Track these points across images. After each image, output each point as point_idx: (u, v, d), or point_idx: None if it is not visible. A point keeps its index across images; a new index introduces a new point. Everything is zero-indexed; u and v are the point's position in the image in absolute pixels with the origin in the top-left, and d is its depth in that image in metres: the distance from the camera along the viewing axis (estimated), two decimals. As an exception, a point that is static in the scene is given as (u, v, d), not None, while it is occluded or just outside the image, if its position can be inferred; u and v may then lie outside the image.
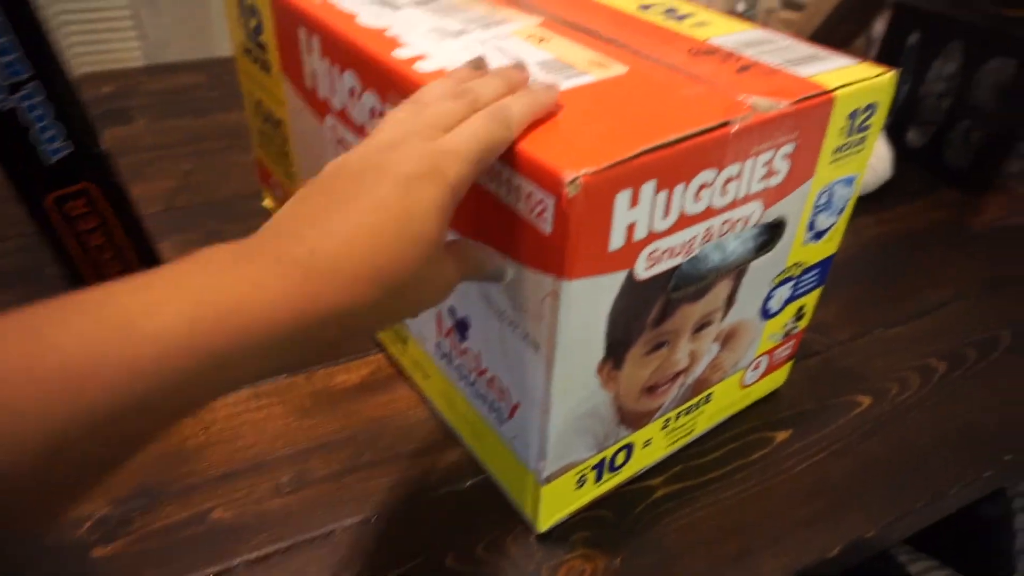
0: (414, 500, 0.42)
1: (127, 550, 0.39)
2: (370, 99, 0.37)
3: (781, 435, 0.47)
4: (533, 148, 0.28)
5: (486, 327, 0.35)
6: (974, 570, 0.64)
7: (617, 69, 0.34)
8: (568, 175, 0.26)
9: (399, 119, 0.28)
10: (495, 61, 0.34)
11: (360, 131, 0.39)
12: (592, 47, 0.37)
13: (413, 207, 0.25)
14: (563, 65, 0.34)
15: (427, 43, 0.36)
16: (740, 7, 1.03)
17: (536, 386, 0.33)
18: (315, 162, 0.47)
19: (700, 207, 0.30)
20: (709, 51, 0.36)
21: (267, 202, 0.63)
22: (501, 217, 0.30)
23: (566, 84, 0.32)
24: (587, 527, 0.41)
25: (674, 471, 0.44)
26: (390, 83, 0.35)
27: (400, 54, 0.35)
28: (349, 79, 0.38)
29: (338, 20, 0.39)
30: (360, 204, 0.25)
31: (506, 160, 0.28)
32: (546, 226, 0.28)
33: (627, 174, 0.27)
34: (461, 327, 0.38)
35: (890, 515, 0.43)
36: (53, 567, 0.38)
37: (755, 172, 0.31)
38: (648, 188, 0.28)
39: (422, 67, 0.34)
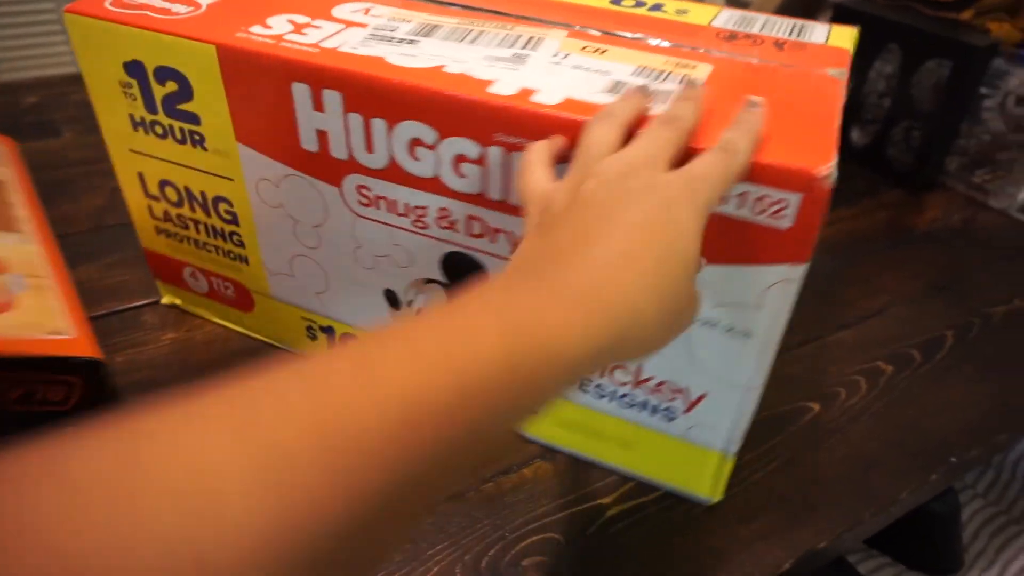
0: None
1: None
2: (454, 146, 0.35)
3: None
4: (756, 155, 0.30)
5: None
6: (924, 564, 0.66)
7: (704, 68, 0.37)
8: (820, 171, 0.29)
9: (620, 157, 0.27)
10: (581, 80, 0.35)
11: (422, 184, 0.37)
12: (646, 50, 0.39)
13: (678, 227, 0.25)
14: (656, 72, 0.36)
15: (510, 74, 0.35)
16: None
17: (742, 372, 0.37)
18: (302, 233, 0.43)
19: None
20: (731, 36, 0.41)
21: (168, 298, 0.54)
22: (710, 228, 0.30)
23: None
24: (538, 551, 0.40)
25: (625, 489, 0.43)
26: (500, 124, 0.33)
27: (500, 90, 0.34)
28: (407, 130, 0.36)
29: (369, 66, 0.36)
30: (621, 230, 0.24)
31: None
32: (785, 222, 0.31)
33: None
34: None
35: (842, 526, 0.43)
36: None
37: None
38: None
39: (543, 99, 0.33)
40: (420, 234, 0.39)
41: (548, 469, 0.45)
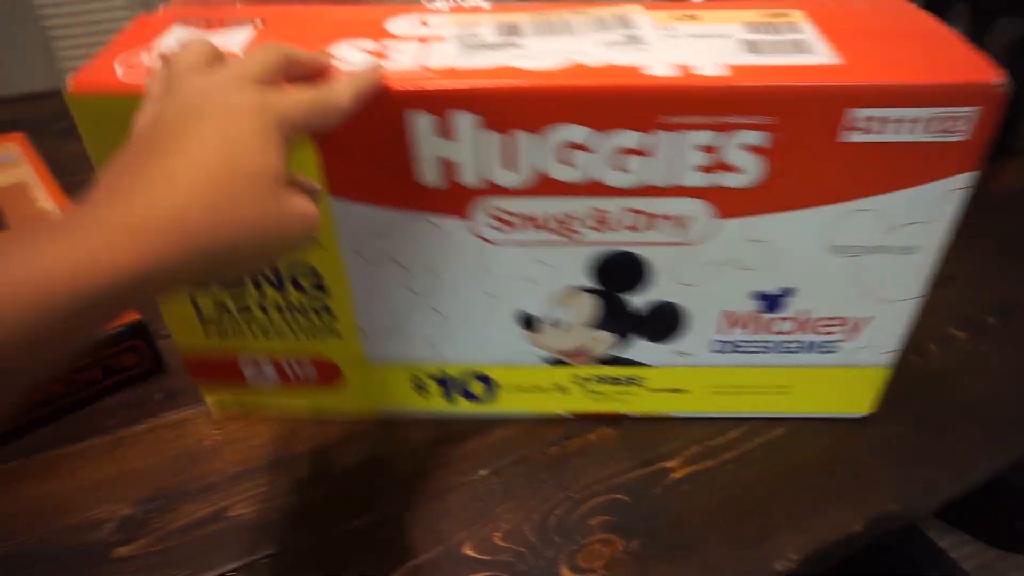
0: (430, 493, 0.42)
1: (150, 548, 0.40)
2: (613, 141, 0.33)
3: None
4: (922, 77, 0.31)
5: (824, 280, 0.38)
6: (1003, 539, 0.65)
7: (798, 14, 0.37)
8: (996, 82, 0.31)
9: (202, 75, 0.27)
10: (715, 48, 0.34)
11: (574, 190, 0.35)
12: (731, 6, 0.38)
13: (238, 146, 0.25)
14: (762, 25, 0.36)
15: (643, 55, 0.34)
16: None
17: (908, 287, 0.39)
18: (414, 281, 0.39)
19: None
20: None
21: (216, 401, 0.46)
22: (864, 163, 0.33)
23: (812, 36, 0.35)
24: (605, 511, 0.41)
25: (691, 452, 0.44)
26: (669, 106, 0.32)
27: (655, 72, 0.32)
28: (558, 136, 0.33)
29: (500, 77, 0.32)
30: (175, 152, 0.24)
31: (897, 103, 0.32)
32: (960, 136, 0.32)
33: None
34: (774, 302, 0.39)
35: (915, 490, 0.42)
36: (76, 570, 0.38)
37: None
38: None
39: (704, 72, 0.32)
40: (567, 244, 0.37)
41: (612, 434, 0.45)
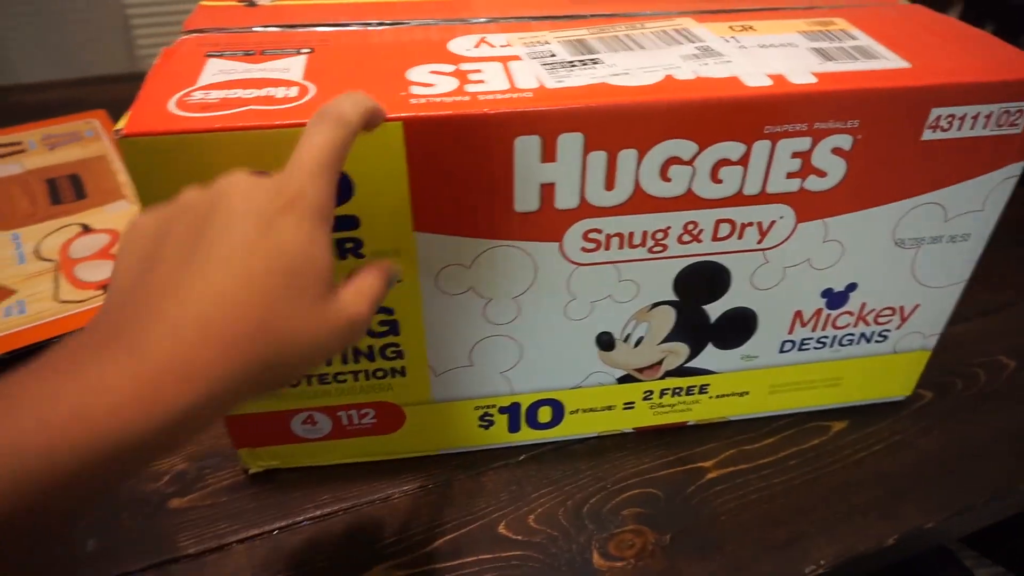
0: (470, 472, 0.44)
1: (201, 503, 0.42)
2: (715, 153, 0.33)
3: (837, 425, 0.47)
4: (990, 75, 0.33)
5: (883, 272, 0.40)
6: None
7: (842, 21, 0.39)
8: None
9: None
10: (791, 56, 0.35)
11: (667, 204, 0.35)
12: (781, 16, 0.40)
13: (283, 242, 0.22)
14: (815, 33, 0.38)
15: (725, 67, 0.34)
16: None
17: (956, 273, 0.41)
18: (494, 311, 0.37)
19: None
20: None
21: (258, 466, 0.43)
22: (935, 159, 0.36)
23: (870, 41, 0.37)
24: (638, 503, 0.42)
25: (726, 455, 0.45)
26: (774, 116, 0.33)
27: (752, 83, 0.33)
28: (663, 152, 0.33)
29: (603, 96, 0.31)
30: (216, 255, 0.21)
31: (972, 100, 0.34)
32: (1018, 128, 0.35)
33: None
34: (839, 298, 0.41)
35: (950, 509, 0.42)
36: (132, 515, 0.41)
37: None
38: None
39: (798, 81, 0.33)
40: (655, 259, 0.37)
41: (650, 432, 0.46)
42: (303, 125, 0.29)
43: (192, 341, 0.20)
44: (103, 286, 0.50)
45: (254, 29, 0.38)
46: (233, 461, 0.43)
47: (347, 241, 0.33)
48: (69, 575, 0.38)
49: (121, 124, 0.30)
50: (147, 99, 0.31)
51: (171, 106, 0.30)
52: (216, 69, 0.33)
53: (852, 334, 0.43)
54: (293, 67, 0.34)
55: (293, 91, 0.31)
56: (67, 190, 0.61)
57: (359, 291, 0.25)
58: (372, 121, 0.27)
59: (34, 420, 0.18)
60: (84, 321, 0.47)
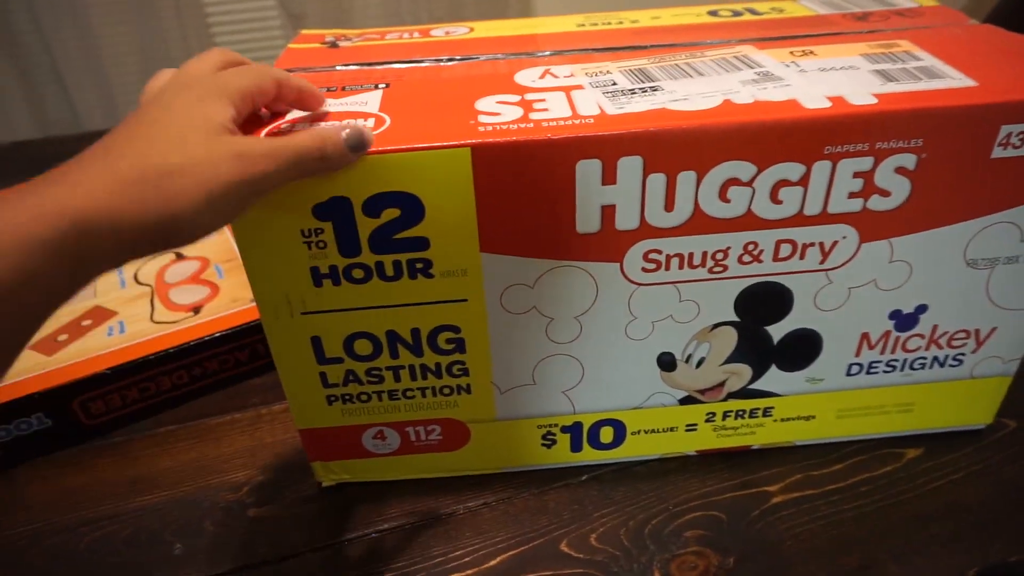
0: (532, 490, 0.45)
1: (277, 513, 0.44)
2: (774, 175, 0.34)
3: (912, 452, 0.45)
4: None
5: (955, 294, 0.39)
6: None
7: (906, 43, 0.40)
8: None
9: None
10: (852, 79, 0.36)
11: (727, 225, 0.35)
12: (841, 41, 0.41)
13: (182, 111, 0.28)
14: (876, 56, 0.38)
15: (785, 91, 0.35)
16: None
17: None
18: (556, 330, 0.38)
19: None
20: (859, 16, 0.45)
21: (331, 479, 0.45)
22: (1007, 176, 0.35)
23: (935, 61, 0.37)
24: (701, 526, 0.42)
25: (793, 479, 0.44)
26: (834, 136, 0.33)
27: (811, 104, 0.33)
28: (722, 174, 0.34)
29: (663, 121, 0.32)
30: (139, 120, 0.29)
31: (1018, 120, 0.33)
32: None
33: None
34: (908, 320, 0.40)
35: None
36: (214, 522, 0.44)
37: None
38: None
39: (857, 102, 0.33)
40: (715, 279, 0.37)
41: (713, 455, 0.46)
42: (380, 153, 0.32)
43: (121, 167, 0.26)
44: (194, 308, 0.54)
45: (336, 68, 0.41)
46: (307, 474, 0.45)
47: (418, 261, 0.35)
48: (157, 577, 0.41)
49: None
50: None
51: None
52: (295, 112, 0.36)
53: (924, 357, 0.42)
54: (371, 101, 0.36)
55: (370, 122, 0.34)
56: (163, 221, 0.66)
57: (261, 139, 0.30)
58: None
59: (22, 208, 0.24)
60: (176, 340, 0.51)
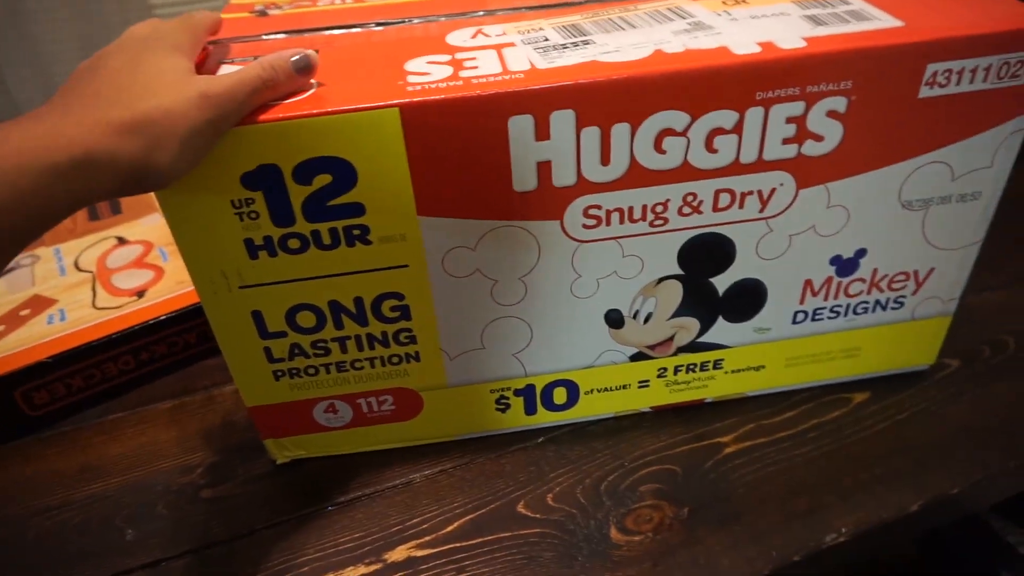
0: (489, 455, 0.45)
1: (231, 492, 0.44)
2: (708, 123, 0.34)
3: (859, 396, 0.46)
4: (986, 27, 0.33)
5: (892, 236, 0.40)
6: None
7: None
8: None
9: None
10: (782, 25, 0.35)
11: (665, 177, 0.35)
12: None
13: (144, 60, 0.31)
14: (814, 2, 0.38)
15: (717, 38, 0.34)
16: None
17: (969, 233, 0.40)
18: (501, 292, 0.38)
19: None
20: None
21: (285, 455, 0.44)
22: (936, 116, 0.35)
23: (863, 5, 0.37)
24: (656, 480, 0.43)
25: (745, 429, 0.45)
26: (764, 82, 0.33)
27: (741, 51, 0.33)
28: (656, 124, 0.33)
29: (594, 73, 0.32)
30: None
31: (969, 53, 0.33)
32: (1021, 80, 0.35)
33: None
34: (849, 264, 0.41)
35: (976, 475, 0.41)
36: (167, 505, 0.43)
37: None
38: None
39: (786, 46, 0.33)
40: (657, 232, 0.37)
41: (666, 410, 0.46)
42: (308, 116, 0.31)
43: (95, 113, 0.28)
44: (137, 292, 0.53)
45: (263, 37, 0.40)
46: (261, 453, 0.45)
47: (354, 228, 0.35)
48: (110, 563, 0.40)
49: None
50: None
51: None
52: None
53: (867, 302, 0.43)
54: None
55: (305, 93, 0.33)
56: (104, 206, 0.64)
57: (221, 79, 0.31)
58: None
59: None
60: (120, 325, 0.50)
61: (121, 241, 0.59)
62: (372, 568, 0.39)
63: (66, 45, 1.43)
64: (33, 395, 0.48)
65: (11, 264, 0.58)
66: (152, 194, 0.64)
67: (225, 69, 0.35)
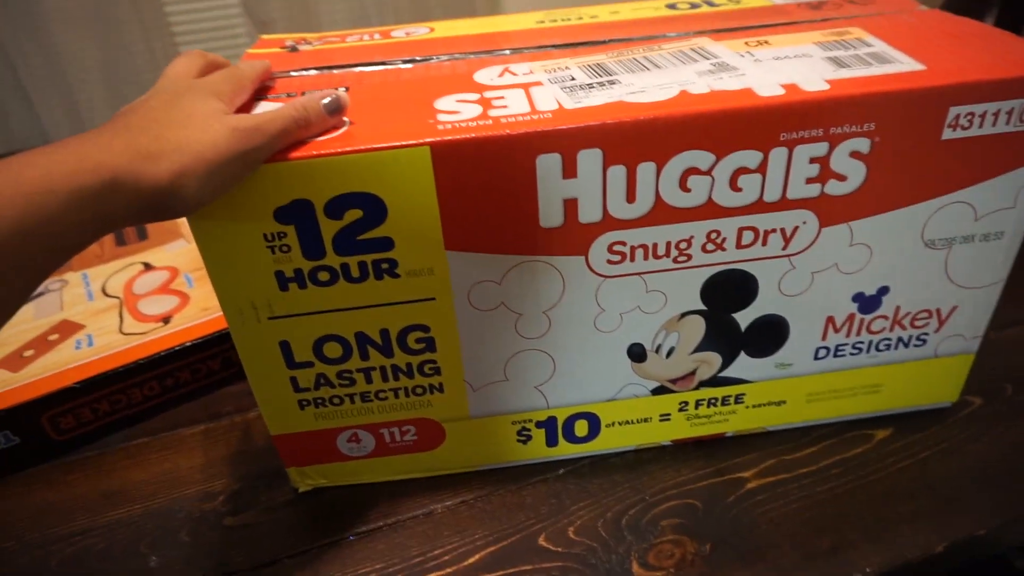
0: (510, 487, 0.45)
1: (253, 520, 0.44)
2: (733, 162, 0.34)
3: (881, 433, 0.46)
4: (1006, 72, 0.34)
5: (915, 274, 0.40)
6: None
7: (858, 31, 0.40)
8: None
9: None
10: (806, 67, 0.36)
11: (689, 215, 0.36)
12: (796, 30, 0.41)
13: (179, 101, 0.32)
14: (829, 43, 0.39)
15: (740, 80, 0.35)
16: None
17: (992, 272, 0.41)
18: (526, 326, 0.39)
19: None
20: (813, 5, 0.46)
21: (307, 484, 0.45)
22: (959, 157, 0.36)
23: (885, 47, 0.38)
24: (677, 515, 0.42)
25: (766, 464, 0.45)
26: (788, 123, 0.34)
27: (766, 92, 0.34)
28: (681, 163, 0.34)
29: (621, 114, 0.33)
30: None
31: (990, 97, 0.34)
32: None
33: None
34: (871, 302, 0.41)
35: (1002, 516, 0.41)
36: (190, 532, 0.43)
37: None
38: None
39: (811, 89, 0.34)
40: (681, 268, 0.37)
41: (687, 444, 0.46)
42: (340, 154, 0.32)
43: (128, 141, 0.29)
44: (164, 318, 0.54)
45: (294, 73, 0.41)
46: (283, 481, 0.45)
47: (383, 262, 0.35)
48: (133, 591, 0.40)
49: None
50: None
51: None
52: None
53: (889, 339, 0.43)
54: (331, 104, 0.36)
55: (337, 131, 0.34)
56: (130, 232, 0.65)
57: (252, 116, 0.32)
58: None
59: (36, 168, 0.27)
60: (147, 351, 0.50)
61: (147, 267, 0.60)
62: (393, 600, 0.39)
63: (88, 63, 1.46)
64: (60, 420, 0.48)
65: (40, 289, 0.60)
66: (178, 220, 0.66)
67: (259, 106, 0.36)
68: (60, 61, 1.46)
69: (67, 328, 0.54)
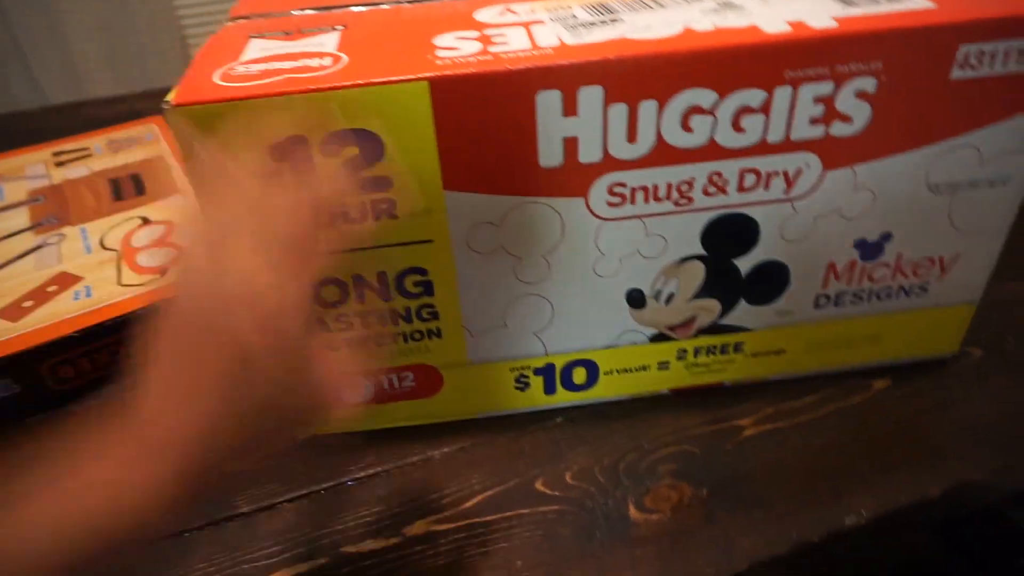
0: (508, 434, 0.45)
1: (253, 466, 0.37)
2: (736, 101, 0.34)
3: (880, 383, 0.46)
4: (1004, 11, 0.33)
5: (918, 221, 0.39)
6: None
7: None
8: None
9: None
10: (812, 4, 0.35)
11: (691, 155, 0.35)
12: None
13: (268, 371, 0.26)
14: None
15: (746, 17, 0.34)
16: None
17: (996, 220, 0.40)
18: (524, 270, 0.38)
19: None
20: None
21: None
22: (967, 99, 0.35)
23: None
24: (674, 460, 0.43)
25: (765, 413, 0.45)
26: (792, 60, 0.33)
27: (771, 29, 0.33)
28: (683, 102, 0.33)
29: (624, 50, 0.32)
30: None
31: (1002, 35, 0.33)
32: None
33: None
34: (873, 248, 0.40)
35: (997, 463, 0.41)
36: None
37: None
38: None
39: (817, 25, 0.33)
40: (681, 211, 0.37)
41: (685, 393, 0.46)
42: (336, 88, 0.31)
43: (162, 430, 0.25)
44: (163, 271, 0.53)
45: (293, 13, 0.40)
46: (283, 428, 0.45)
47: (380, 203, 0.35)
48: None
49: (170, 97, 0.32)
50: (194, 75, 0.33)
51: (216, 78, 0.33)
52: (257, 47, 0.36)
53: (890, 287, 0.42)
54: (327, 42, 0.36)
55: (327, 60, 0.33)
56: (128, 188, 0.65)
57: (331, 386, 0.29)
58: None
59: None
60: (143, 302, 0.50)
61: (145, 221, 0.60)
62: (391, 541, 0.39)
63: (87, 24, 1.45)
64: (59, 369, 0.49)
65: (39, 242, 0.60)
66: (173, 175, 0.66)
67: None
68: (59, 23, 1.45)
69: (65, 280, 0.54)
